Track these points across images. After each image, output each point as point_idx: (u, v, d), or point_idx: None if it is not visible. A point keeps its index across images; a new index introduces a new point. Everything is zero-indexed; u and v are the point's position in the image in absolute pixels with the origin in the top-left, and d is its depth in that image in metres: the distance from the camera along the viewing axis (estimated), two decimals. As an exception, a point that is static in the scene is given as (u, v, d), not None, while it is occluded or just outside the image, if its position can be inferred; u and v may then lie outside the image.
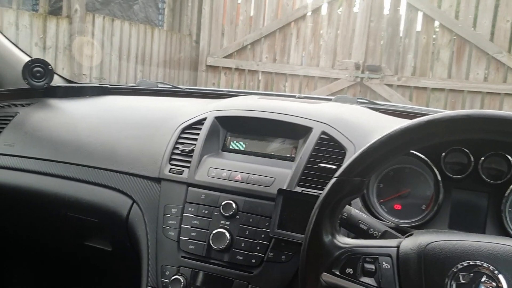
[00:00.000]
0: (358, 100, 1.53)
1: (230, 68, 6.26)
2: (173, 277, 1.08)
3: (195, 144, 1.20)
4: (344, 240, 0.81)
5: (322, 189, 1.04)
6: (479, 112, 0.74)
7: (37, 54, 3.99)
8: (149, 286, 1.13)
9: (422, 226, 1.02)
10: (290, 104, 1.28)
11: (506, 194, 1.00)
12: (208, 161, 1.18)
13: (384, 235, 0.89)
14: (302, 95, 1.57)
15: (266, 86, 6.07)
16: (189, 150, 1.19)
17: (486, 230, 1.00)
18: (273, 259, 1.03)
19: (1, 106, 1.57)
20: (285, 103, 1.30)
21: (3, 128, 1.45)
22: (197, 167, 1.16)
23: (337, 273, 0.78)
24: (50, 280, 1.92)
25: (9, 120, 1.48)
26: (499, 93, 5.03)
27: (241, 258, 1.04)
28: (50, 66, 1.66)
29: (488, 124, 0.74)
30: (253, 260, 1.03)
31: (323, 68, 5.75)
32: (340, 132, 1.13)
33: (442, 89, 5.25)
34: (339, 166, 1.07)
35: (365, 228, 0.90)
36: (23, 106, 1.57)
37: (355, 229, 0.91)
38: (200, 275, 1.07)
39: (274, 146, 1.19)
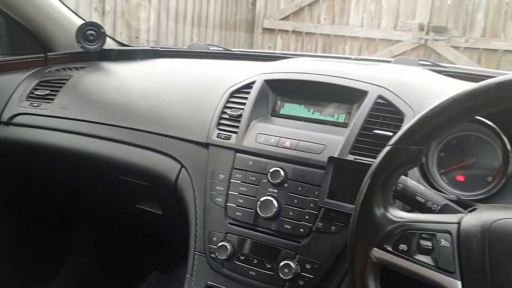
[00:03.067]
0: (420, 62, 1.42)
1: (287, 31, 6.11)
2: (220, 244, 1.06)
3: (243, 109, 1.16)
4: (398, 214, 0.75)
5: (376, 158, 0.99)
6: None
7: (96, 19, 4.06)
8: (197, 252, 1.12)
9: (488, 200, 0.93)
10: (344, 67, 1.21)
11: None
12: (256, 127, 1.13)
13: (443, 210, 0.81)
14: (359, 57, 1.48)
15: (324, 49, 5.89)
16: (237, 115, 1.15)
17: None
18: (322, 229, 0.98)
19: (56, 69, 1.60)
20: (340, 66, 1.22)
21: (57, 91, 1.47)
22: (245, 133, 1.12)
23: (389, 249, 0.72)
24: (107, 240, 1.98)
25: (63, 83, 1.50)
26: None
27: (289, 227, 1.00)
28: (102, 29, 1.67)
29: None
30: (301, 230, 0.99)
31: (385, 29, 5.49)
32: (398, 96, 1.04)
33: (515, 51, 4.89)
34: (396, 133, 0.99)
35: (422, 201, 0.83)
36: (77, 69, 1.58)
37: (411, 202, 0.84)
38: (247, 242, 1.05)
39: (326, 111, 1.13)
